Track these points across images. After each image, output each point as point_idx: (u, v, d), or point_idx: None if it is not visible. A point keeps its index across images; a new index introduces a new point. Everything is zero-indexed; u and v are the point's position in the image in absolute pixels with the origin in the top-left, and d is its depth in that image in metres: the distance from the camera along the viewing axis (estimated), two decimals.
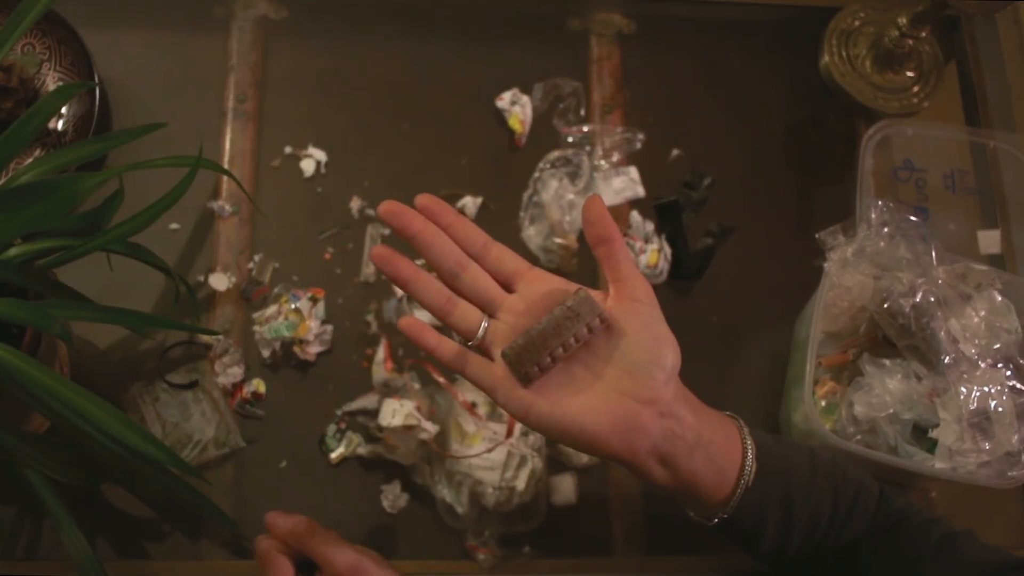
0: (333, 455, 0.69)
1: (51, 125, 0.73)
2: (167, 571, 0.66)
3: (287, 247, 0.75)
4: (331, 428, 0.70)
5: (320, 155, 0.77)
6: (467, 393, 0.68)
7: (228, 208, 0.75)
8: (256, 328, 0.71)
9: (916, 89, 0.84)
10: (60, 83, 0.74)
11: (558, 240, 0.76)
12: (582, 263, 0.76)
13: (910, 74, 0.84)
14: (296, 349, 0.71)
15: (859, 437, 0.65)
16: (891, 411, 0.64)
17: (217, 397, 0.70)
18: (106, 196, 0.58)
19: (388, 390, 0.70)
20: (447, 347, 0.50)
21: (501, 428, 0.67)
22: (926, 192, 0.81)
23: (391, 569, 0.54)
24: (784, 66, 0.85)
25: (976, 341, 0.64)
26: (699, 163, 0.81)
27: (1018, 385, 0.63)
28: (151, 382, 0.70)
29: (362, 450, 0.69)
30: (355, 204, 0.76)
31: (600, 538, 0.70)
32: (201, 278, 0.73)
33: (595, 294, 0.49)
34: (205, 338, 0.71)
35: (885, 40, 0.83)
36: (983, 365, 0.63)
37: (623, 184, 0.78)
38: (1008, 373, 0.64)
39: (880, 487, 0.54)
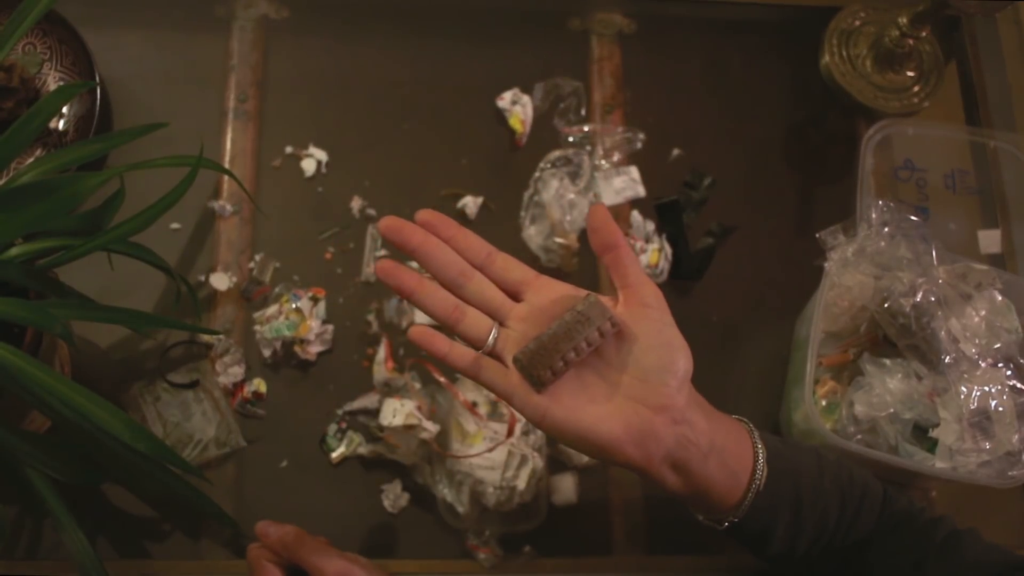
0: (334, 455, 0.69)
1: (52, 125, 0.73)
2: (168, 570, 0.66)
3: (288, 247, 0.75)
4: (332, 428, 0.70)
5: (321, 155, 0.77)
6: (468, 393, 0.68)
7: (229, 208, 0.75)
8: (257, 328, 0.71)
9: (916, 89, 0.84)
10: (61, 83, 0.74)
11: (559, 240, 0.76)
12: (583, 263, 0.76)
13: (910, 74, 0.84)
14: (297, 349, 0.71)
15: (859, 437, 0.65)
16: (891, 411, 0.64)
17: (218, 397, 0.70)
18: (107, 196, 0.58)
19: (389, 390, 0.70)
20: (459, 353, 0.49)
21: (502, 428, 0.67)
22: (926, 192, 0.81)
23: (381, 573, 0.54)
24: (784, 66, 0.85)
25: (976, 341, 0.64)
26: (699, 163, 0.81)
27: (1018, 385, 0.63)
28: (152, 381, 0.70)
29: (363, 450, 0.69)
30: (356, 204, 0.76)
31: (601, 538, 0.70)
32: (202, 278, 0.73)
33: (604, 300, 0.49)
34: (206, 338, 0.71)
35: (885, 40, 0.83)
36: (983, 365, 0.63)
37: (624, 184, 0.78)
38: (1008, 373, 0.64)
39: (884, 487, 0.54)
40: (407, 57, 0.82)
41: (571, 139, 0.80)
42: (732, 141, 0.82)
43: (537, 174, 0.78)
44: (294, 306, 0.71)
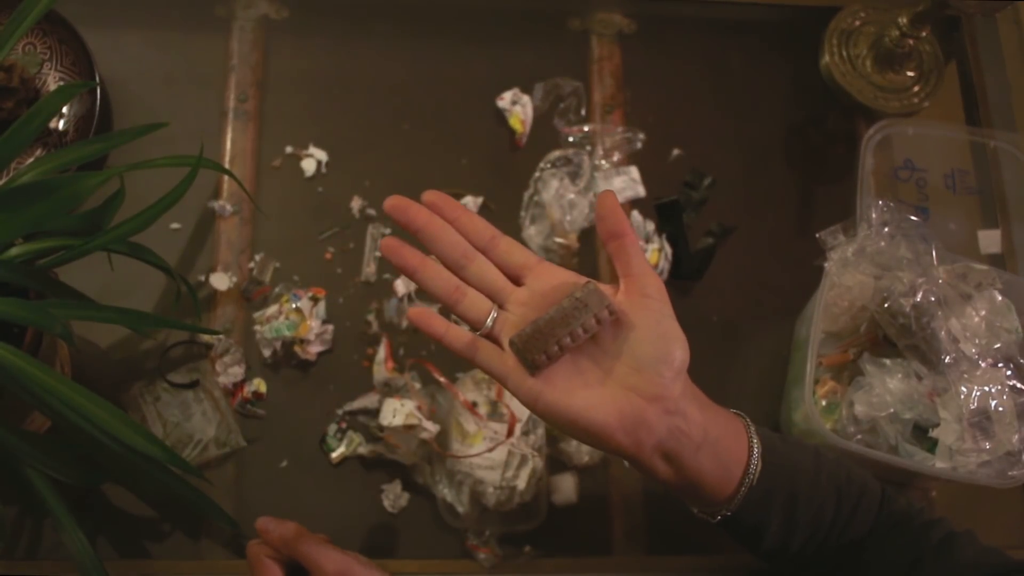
0: (334, 455, 0.69)
1: (52, 125, 0.73)
2: (168, 570, 0.66)
3: (288, 247, 0.75)
4: (332, 428, 0.70)
5: (321, 155, 0.77)
6: (468, 393, 0.68)
7: (229, 208, 0.75)
8: (257, 328, 0.71)
9: (916, 89, 0.84)
10: (61, 83, 0.74)
11: (559, 239, 0.76)
12: (583, 262, 0.76)
13: (910, 74, 0.84)
14: (297, 349, 0.71)
15: (859, 437, 0.65)
16: (891, 411, 0.64)
17: (218, 397, 0.70)
18: (107, 196, 0.58)
19: (389, 390, 0.70)
20: (456, 334, 0.50)
21: (502, 428, 0.67)
22: (926, 192, 0.81)
23: (380, 572, 0.54)
24: (784, 66, 0.85)
25: (976, 341, 0.64)
26: (699, 163, 0.81)
27: (1018, 385, 0.63)
28: (152, 382, 0.70)
29: (363, 450, 0.69)
30: (356, 204, 0.76)
31: (601, 537, 0.70)
32: (202, 278, 0.73)
33: (605, 288, 0.49)
34: (206, 338, 0.71)
35: (886, 40, 0.83)
36: (983, 365, 0.63)
37: (624, 184, 0.78)
38: (1008, 373, 0.64)
39: (882, 487, 0.54)
40: (407, 57, 0.82)
41: (571, 139, 0.80)
42: (732, 141, 0.82)
43: (537, 174, 0.78)
44: (294, 306, 0.71)
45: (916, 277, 0.65)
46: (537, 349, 0.47)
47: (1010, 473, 0.61)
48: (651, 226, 0.77)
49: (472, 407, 0.67)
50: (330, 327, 0.72)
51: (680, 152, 0.81)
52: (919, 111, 0.83)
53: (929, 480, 0.70)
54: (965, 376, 0.63)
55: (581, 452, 0.70)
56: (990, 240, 0.79)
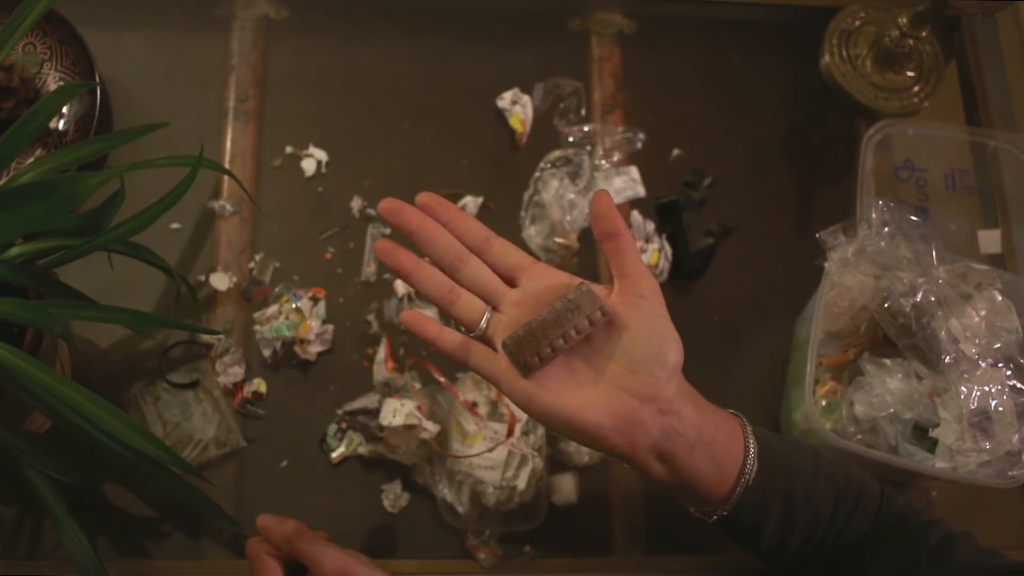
0: (334, 454, 0.69)
1: (52, 125, 0.73)
2: (168, 570, 0.66)
3: (288, 247, 0.75)
4: (332, 427, 0.70)
5: (321, 155, 0.77)
6: (468, 393, 0.68)
7: (229, 208, 0.75)
8: (257, 328, 0.71)
9: (916, 89, 0.84)
10: (61, 83, 0.74)
11: (559, 240, 0.76)
12: (583, 262, 0.76)
13: (910, 74, 0.84)
14: (297, 348, 0.71)
15: (859, 437, 0.65)
16: (891, 411, 0.64)
17: (218, 397, 0.70)
18: (107, 196, 0.58)
19: (389, 390, 0.70)
20: (449, 337, 0.50)
21: (502, 428, 0.67)
22: (926, 192, 0.81)
23: (380, 570, 0.54)
24: (784, 66, 0.85)
25: (976, 341, 0.64)
26: (699, 163, 0.81)
27: (1018, 385, 0.63)
28: (152, 382, 0.70)
29: (363, 449, 0.69)
30: (356, 204, 0.76)
31: (601, 537, 0.70)
32: (202, 278, 0.73)
33: (599, 289, 0.49)
34: (206, 338, 0.71)
35: (885, 40, 0.83)
36: (983, 365, 0.63)
37: (624, 184, 0.78)
38: (1008, 373, 0.64)
39: (881, 488, 0.54)
40: (407, 57, 0.82)
41: (571, 139, 0.80)
42: (732, 141, 0.82)
43: (537, 174, 0.78)
44: (294, 306, 0.71)
45: (916, 277, 0.65)
46: (529, 351, 0.47)
47: (1010, 473, 0.61)
48: (651, 226, 0.77)
49: (472, 407, 0.67)
50: (330, 327, 0.72)
51: (680, 152, 0.81)
52: (919, 111, 0.83)
53: (929, 480, 0.70)
54: (965, 376, 0.63)
55: (581, 452, 0.70)
56: (990, 240, 0.79)
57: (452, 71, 0.82)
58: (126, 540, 0.66)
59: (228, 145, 0.77)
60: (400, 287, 0.74)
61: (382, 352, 0.71)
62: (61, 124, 0.74)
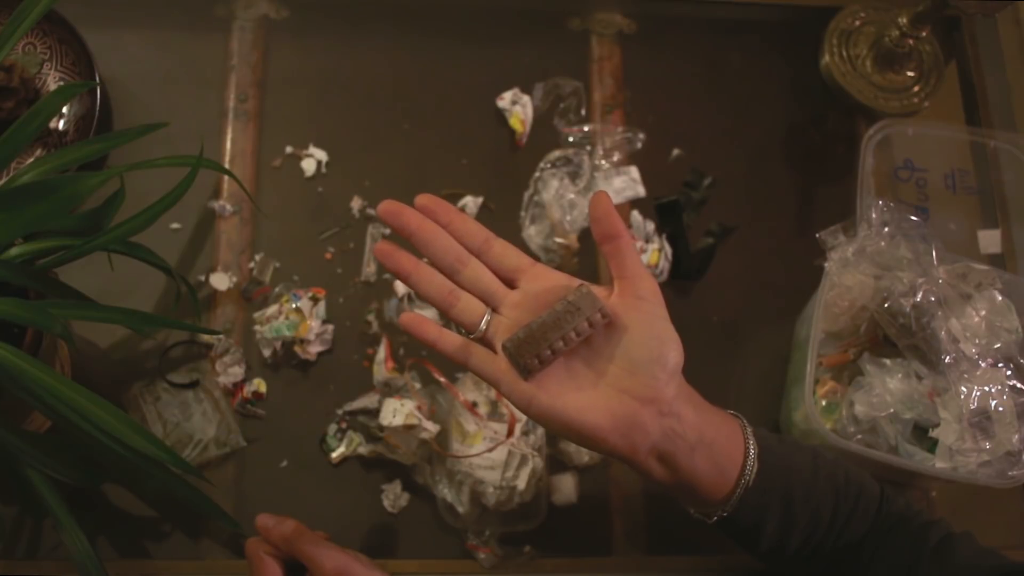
0: (334, 455, 0.69)
1: (52, 125, 0.73)
2: (168, 570, 0.66)
3: (288, 247, 0.75)
4: (332, 428, 0.70)
5: (321, 155, 0.77)
6: (468, 393, 0.68)
7: (229, 208, 0.75)
8: (257, 328, 0.71)
9: (916, 89, 0.84)
10: (61, 83, 0.74)
11: (559, 240, 0.76)
12: (583, 262, 0.76)
13: (910, 74, 0.84)
14: (297, 348, 0.71)
15: (859, 436, 0.65)
16: (891, 411, 0.64)
17: (218, 397, 0.70)
18: (107, 196, 0.58)
19: (389, 390, 0.70)
20: (449, 339, 0.50)
21: (502, 428, 0.67)
22: (926, 192, 0.81)
23: (379, 570, 0.54)
24: (784, 66, 0.85)
25: (976, 341, 0.64)
26: (700, 163, 0.81)
27: (1018, 385, 0.63)
28: (152, 382, 0.70)
29: (363, 450, 0.69)
30: (356, 204, 0.76)
31: (601, 537, 0.70)
32: (202, 278, 0.73)
33: (599, 290, 0.49)
34: (206, 338, 0.71)
35: (885, 40, 0.83)
36: (983, 365, 0.63)
37: (624, 184, 0.78)
38: (1008, 373, 0.64)
39: (881, 488, 0.54)
40: (407, 57, 0.82)
41: (571, 139, 0.80)
42: (732, 141, 0.82)
43: (537, 174, 0.78)
44: (294, 306, 0.71)
45: (916, 277, 0.65)
46: (529, 353, 0.47)
47: (1010, 473, 0.61)
48: (651, 226, 0.77)
49: (472, 407, 0.67)
50: (330, 327, 0.72)
51: (680, 152, 0.81)
52: (919, 111, 0.83)
53: (929, 480, 0.70)
54: (965, 376, 0.63)
55: (581, 452, 0.70)
56: (990, 240, 0.79)
57: (452, 71, 0.82)
58: (126, 540, 0.66)
59: (228, 145, 0.77)
60: (400, 287, 0.74)
61: (382, 352, 0.71)
62: (61, 124, 0.74)
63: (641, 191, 0.79)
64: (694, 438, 0.48)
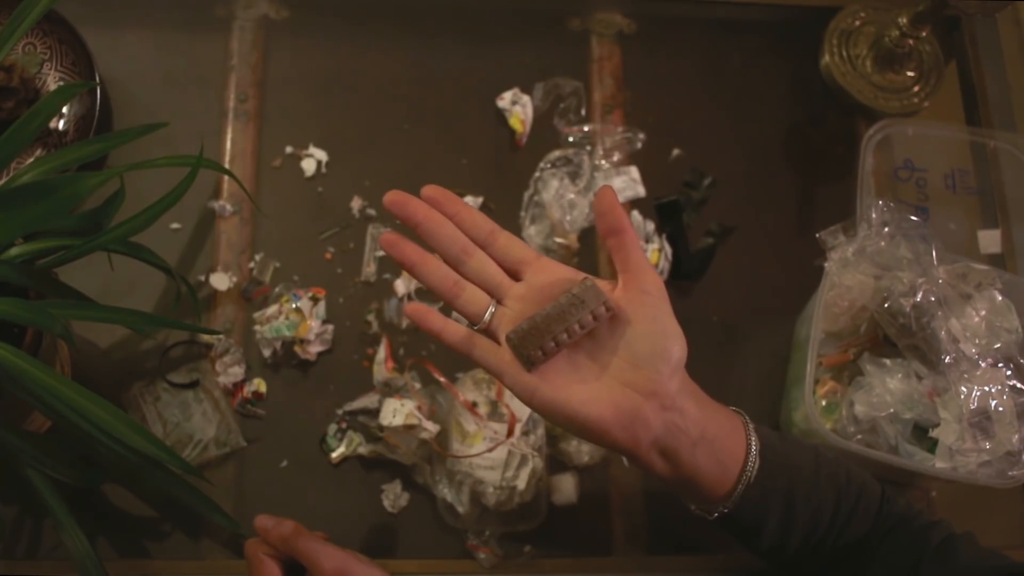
0: (334, 454, 0.69)
1: (52, 125, 0.73)
2: (168, 570, 0.66)
3: (288, 247, 0.75)
4: (332, 427, 0.70)
5: (321, 155, 0.77)
6: (468, 393, 0.68)
7: (229, 208, 0.75)
8: (257, 328, 0.71)
9: (916, 89, 0.84)
10: (61, 83, 0.74)
11: (559, 239, 0.76)
12: (582, 262, 0.76)
13: (910, 74, 0.84)
14: (297, 348, 0.71)
15: (859, 436, 0.65)
16: (891, 410, 0.64)
17: (218, 397, 0.70)
18: (107, 196, 0.58)
19: (389, 390, 0.70)
20: (453, 330, 0.50)
21: (502, 428, 0.67)
22: (926, 192, 0.81)
23: (379, 570, 0.54)
24: (784, 66, 0.85)
25: (976, 341, 0.64)
26: (699, 163, 0.81)
27: (1018, 385, 0.63)
28: (152, 382, 0.70)
29: (363, 449, 0.69)
30: (356, 204, 0.76)
31: (601, 537, 0.70)
32: (202, 278, 0.73)
33: (603, 284, 0.49)
34: (206, 338, 0.71)
35: (885, 40, 0.83)
36: (983, 365, 0.63)
37: (624, 184, 0.78)
38: (1008, 373, 0.64)
39: (882, 489, 0.54)
40: (407, 57, 0.82)
41: (571, 139, 0.80)
42: (732, 141, 0.82)
43: (537, 174, 0.78)
44: (294, 306, 0.71)
45: (916, 277, 0.65)
46: (533, 345, 0.47)
47: (1010, 473, 0.61)
48: (651, 226, 0.77)
49: (472, 407, 0.67)
50: (330, 327, 0.72)
51: (680, 152, 0.81)
52: (919, 111, 0.83)
53: (929, 480, 0.70)
54: (965, 376, 0.63)
55: (581, 452, 0.70)
56: (990, 240, 0.79)
57: (452, 71, 0.82)
58: (126, 540, 0.66)
59: (228, 145, 0.77)
60: (400, 287, 0.74)
61: (382, 352, 0.71)
62: (61, 124, 0.74)
63: (641, 191, 0.79)
64: (696, 433, 0.48)
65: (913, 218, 0.67)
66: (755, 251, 0.79)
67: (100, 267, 0.61)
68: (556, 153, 0.79)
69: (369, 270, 0.75)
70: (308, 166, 0.77)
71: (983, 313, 0.65)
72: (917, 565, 0.50)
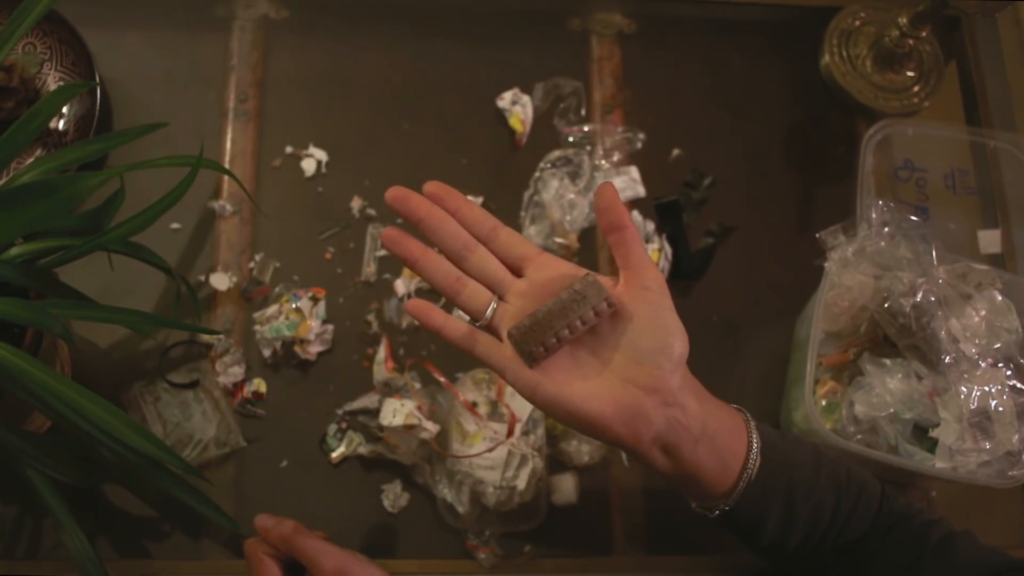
0: (334, 455, 0.69)
1: (52, 125, 0.73)
2: (168, 570, 0.66)
3: (288, 247, 0.75)
4: (332, 428, 0.70)
5: (321, 155, 0.77)
6: (468, 393, 0.68)
7: (229, 208, 0.75)
8: (257, 328, 0.71)
9: (916, 89, 0.84)
10: (61, 83, 0.74)
11: (559, 240, 0.76)
12: (583, 262, 0.75)
13: (910, 74, 0.84)
14: (297, 348, 0.71)
15: (859, 436, 0.65)
16: (891, 410, 0.64)
17: (218, 397, 0.70)
18: (107, 196, 0.58)
19: (389, 390, 0.70)
20: (454, 326, 0.50)
21: (502, 428, 0.67)
22: (926, 192, 0.81)
23: (379, 570, 0.54)
24: (784, 66, 0.85)
25: (976, 341, 0.64)
26: (699, 163, 0.81)
27: (1018, 385, 0.63)
28: (152, 382, 0.70)
29: (363, 450, 0.69)
30: (356, 204, 0.76)
31: (601, 537, 0.70)
32: (202, 278, 0.73)
33: (605, 280, 0.49)
34: (206, 338, 0.71)
35: (885, 40, 0.83)
36: (983, 365, 0.63)
37: (624, 184, 0.78)
38: (1008, 373, 0.64)
39: (882, 488, 0.54)
40: (407, 57, 0.82)
41: (571, 139, 0.80)
42: (732, 141, 0.82)
43: (537, 174, 0.78)
44: (294, 306, 0.71)
45: (916, 277, 0.65)
46: (535, 341, 0.47)
47: (1010, 473, 0.61)
48: (651, 226, 0.77)
49: (472, 407, 0.67)
50: (330, 327, 0.72)
51: (680, 152, 0.81)
52: (919, 111, 0.83)
53: (929, 480, 0.70)
54: (965, 376, 0.63)
55: (581, 452, 0.70)
56: (990, 240, 0.79)
57: (452, 71, 0.82)
58: (126, 540, 0.66)
59: (228, 145, 0.77)
60: (400, 287, 0.74)
61: (382, 352, 0.71)
62: (61, 124, 0.74)
63: (641, 191, 0.79)
64: (698, 429, 0.48)
65: (913, 218, 0.67)
66: (755, 251, 0.79)
67: (100, 267, 0.61)
68: (556, 153, 0.79)
69: (369, 270, 0.75)
70: (308, 166, 0.77)
71: (983, 313, 0.65)
72: (917, 563, 0.50)
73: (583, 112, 0.81)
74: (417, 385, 0.70)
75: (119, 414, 0.49)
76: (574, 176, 0.78)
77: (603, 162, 0.79)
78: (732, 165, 0.81)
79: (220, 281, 0.73)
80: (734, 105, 0.83)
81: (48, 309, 0.51)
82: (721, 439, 0.49)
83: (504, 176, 0.79)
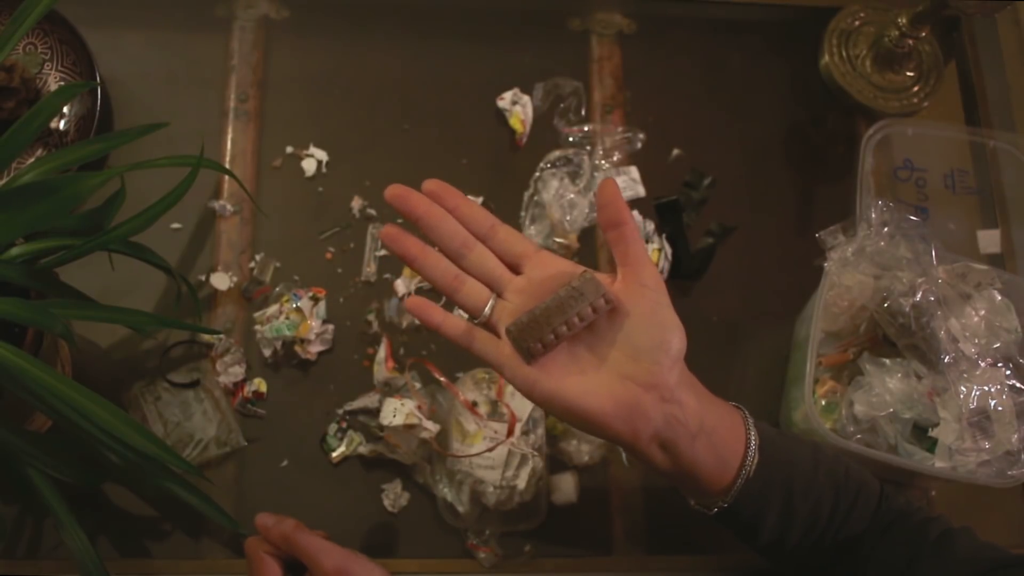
0: (334, 454, 0.69)
1: (53, 125, 0.74)
2: (168, 570, 0.66)
3: (288, 246, 0.75)
4: (332, 427, 0.70)
5: (321, 155, 0.78)
6: (468, 392, 0.68)
7: (229, 207, 0.75)
8: (257, 327, 0.71)
9: (916, 89, 0.84)
10: (62, 83, 0.74)
11: (559, 240, 0.76)
12: (582, 262, 0.75)
13: (910, 74, 0.84)
14: (297, 348, 0.71)
15: (859, 436, 0.65)
16: (891, 410, 0.64)
17: (218, 396, 0.70)
18: (108, 196, 0.58)
19: (389, 389, 0.70)
20: (453, 323, 0.50)
21: (502, 427, 0.67)
22: (926, 192, 0.81)
23: (379, 569, 0.54)
24: (784, 66, 0.85)
25: (976, 340, 0.64)
26: (699, 163, 0.81)
27: (1018, 384, 0.63)
28: (152, 381, 0.70)
29: (363, 449, 0.69)
30: (356, 204, 0.76)
31: (601, 537, 0.70)
32: (202, 277, 0.73)
33: (603, 277, 0.49)
34: (206, 337, 0.71)
35: (885, 40, 0.83)
36: (983, 364, 0.63)
37: (624, 184, 0.78)
38: (1008, 372, 0.64)
39: (881, 486, 0.54)
40: (407, 57, 0.82)
41: (571, 139, 0.80)
42: (732, 141, 0.82)
43: (537, 174, 0.78)
44: (294, 306, 0.71)
45: (916, 277, 0.65)
46: (533, 338, 0.47)
47: (1010, 473, 0.61)
48: (651, 226, 0.77)
49: (472, 407, 0.67)
50: (330, 327, 0.72)
51: (680, 152, 0.81)
52: (919, 111, 0.83)
53: (929, 479, 0.70)
54: (965, 376, 0.63)
55: (581, 452, 0.70)
56: (990, 240, 0.80)
57: (452, 71, 0.82)
58: (126, 539, 0.66)
59: (228, 145, 0.77)
60: (400, 286, 0.74)
61: (382, 352, 0.71)
62: (62, 124, 0.74)
63: (641, 191, 0.79)
64: (696, 426, 0.48)
65: (913, 218, 0.67)
66: (755, 251, 0.79)
67: (101, 267, 0.61)
68: (556, 153, 0.79)
69: (369, 270, 0.75)
70: (308, 166, 0.77)
71: (982, 313, 0.65)
72: (916, 559, 0.50)
73: (583, 112, 0.81)
74: (417, 385, 0.70)
75: (120, 414, 0.49)
76: (574, 176, 0.78)
77: (603, 162, 0.79)
78: (732, 165, 0.81)
79: (220, 281, 0.73)
80: (734, 105, 0.84)
81: (49, 309, 0.51)
82: (719, 436, 0.49)
83: (504, 176, 0.79)
